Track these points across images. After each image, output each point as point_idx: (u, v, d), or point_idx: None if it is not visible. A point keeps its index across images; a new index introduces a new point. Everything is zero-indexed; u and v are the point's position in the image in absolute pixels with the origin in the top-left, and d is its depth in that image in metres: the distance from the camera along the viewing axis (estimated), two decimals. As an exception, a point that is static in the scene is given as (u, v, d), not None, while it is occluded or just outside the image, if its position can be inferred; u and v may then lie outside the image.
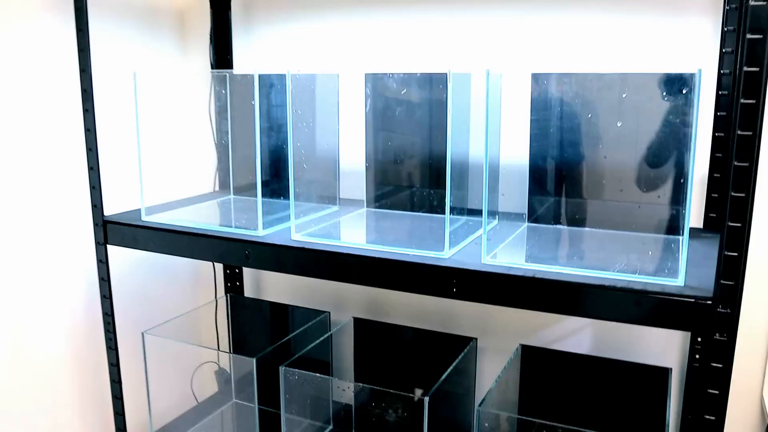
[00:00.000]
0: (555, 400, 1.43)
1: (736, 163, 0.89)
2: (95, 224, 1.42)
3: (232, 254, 1.27)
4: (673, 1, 1.32)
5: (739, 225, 0.90)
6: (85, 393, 1.65)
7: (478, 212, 1.33)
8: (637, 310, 0.98)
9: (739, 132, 0.88)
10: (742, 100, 0.87)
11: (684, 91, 1.02)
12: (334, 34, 1.66)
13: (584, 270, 1.03)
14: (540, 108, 1.28)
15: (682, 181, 1.05)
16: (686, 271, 1.02)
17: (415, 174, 1.43)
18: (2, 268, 1.43)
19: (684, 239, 1.00)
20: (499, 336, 1.60)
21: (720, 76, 1.30)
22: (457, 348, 1.44)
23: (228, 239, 1.27)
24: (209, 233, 1.30)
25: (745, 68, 0.86)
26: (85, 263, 1.60)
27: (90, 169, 1.41)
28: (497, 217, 1.40)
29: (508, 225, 1.35)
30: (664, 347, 1.47)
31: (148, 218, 1.41)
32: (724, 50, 1.29)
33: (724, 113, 1.30)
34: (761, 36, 0.85)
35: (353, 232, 1.35)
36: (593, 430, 1.10)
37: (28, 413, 1.52)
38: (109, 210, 1.47)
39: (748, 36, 0.86)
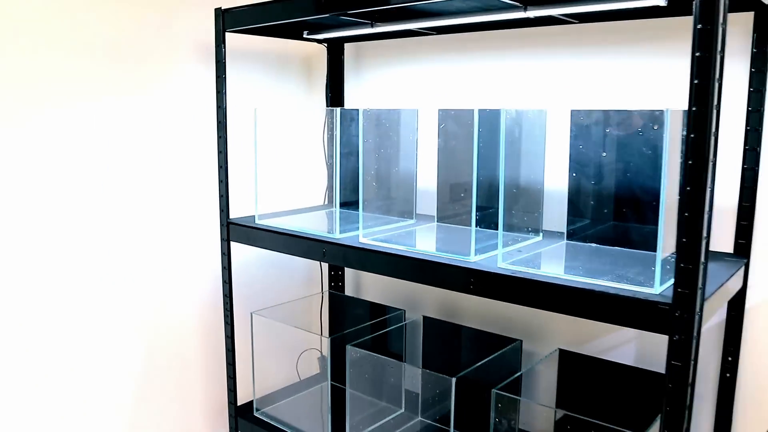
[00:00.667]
0: (585, 400, 1.59)
1: (687, 188, 1.05)
2: (221, 224, 1.82)
3: (313, 251, 1.60)
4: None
5: (690, 241, 1.06)
6: (207, 358, 2.06)
7: (532, 231, 1.55)
8: (611, 311, 1.15)
9: (689, 162, 1.05)
10: (691, 135, 1.04)
11: (655, 127, 1.18)
12: (425, 77, 1.95)
13: (579, 277, 1.22)
14: (577, 140, 1.47)
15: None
16: (668, 282, 1.18)
17: (467, 197, 1.66)
18: (153, 257, 1.88)
19: (658, 254, 1.16)
20: (552, 344, 1.77)
21: (748, 113, 1.42)
22: (504, 347, 1.65)
23: (311, 239, 1.60)
24: (298, 234, 1.63)
25: (693, 108, 1.03)
26: (216, 255, 2.02)
27: (220, 181, 1.81)
28: (541, 234, 1.60)
29: (550, 241, 1.55)
30: (705, 363, 1.57)
31: (260, 222, 1.78)
32: (751, 89, 1.41)
33: (751, 148, 1.42)
34: (706, 82, 1.02)
35: (411, 239, 1.62)
36: (604, 423, 1.27)
37: (163, 371, 1.95)
38: (236, 214, 1.86)
39: (695, 81, 1.03)
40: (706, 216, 1.06)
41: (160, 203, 1.87)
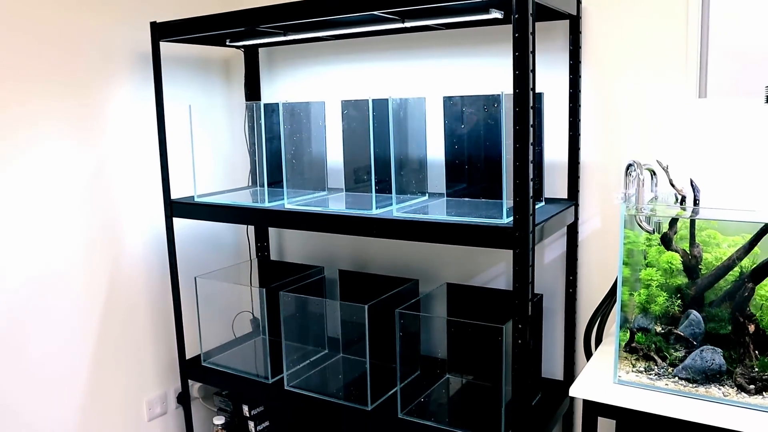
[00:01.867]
0: (468, 317, 2.05)
1: (516, 145, 1.52)
2: (165, 203, 2.17)
3: (249, 218, 1.99)
4: (547, 51, 1.96)
5: (520, 182, 1.53)
6: (158, 319, 2.39)
7: (429, 194, 1.98)
8: (475, 236, 1.61)
9: (515, 127, 1.51)
10: (516, 109, 1.51)
11: (495, 105, 1.66)
12: (327, 74, 2.37)
13: (451, 217, 1.67)
14: (448, 119, 1.92)
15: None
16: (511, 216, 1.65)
17: (368, 169, 2.09)
18: (107, 234, 2.20)
19: (504, 195, 1.63)
20: (443, 281, 2.23)
21: (570, 94, 1.92)
22: (405, 286, 2.10)
23: (246, 209, 1.99)
24: (235, 206, 2.02)
25: (516, 90, 1.50)
26: (160, 230, 2.35)
27: (162, 168, 2.16)
28: (427, 195, 2.05)
29: (433, 199, 2.01)
30: (555, 285, 2.08)
31: (198, 200, 2.14)
32: (571, 76, 1.92)
33: (573, 119, 1.92)
34: (523, 72, 1.49)
35: (326, 204, 2.03)
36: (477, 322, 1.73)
37: (118, 335, 2.27)
38: (176, 195, 2.21)
39: (516, 72, 1.50)
40: (530, 164, 1.53)
41: (110, 189, 2.19)
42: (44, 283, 2.04)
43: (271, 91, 2.53)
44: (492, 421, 1.79)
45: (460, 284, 2.09)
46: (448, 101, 1.91)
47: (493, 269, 2.19)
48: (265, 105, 2.07)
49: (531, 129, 1.52)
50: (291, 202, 2.00)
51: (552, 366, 2.11)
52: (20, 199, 1.96)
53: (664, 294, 1.58)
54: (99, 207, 2.17)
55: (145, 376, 2.38)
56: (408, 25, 1.88)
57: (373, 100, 1.87)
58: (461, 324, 1.91)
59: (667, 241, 1.57)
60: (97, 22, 2.12)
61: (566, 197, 1.99)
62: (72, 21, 2.05)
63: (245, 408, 2.37)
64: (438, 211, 1.83)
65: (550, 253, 2.08)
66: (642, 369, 1.56)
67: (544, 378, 2.11)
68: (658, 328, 1.58)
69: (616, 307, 1.58)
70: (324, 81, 2.40)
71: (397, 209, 1.80)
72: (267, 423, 2.41)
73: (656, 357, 1.56)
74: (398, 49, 2.23)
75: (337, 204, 2.02)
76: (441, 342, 2.14)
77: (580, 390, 1.54)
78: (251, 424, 2.37)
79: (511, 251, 1.59)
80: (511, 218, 1.59)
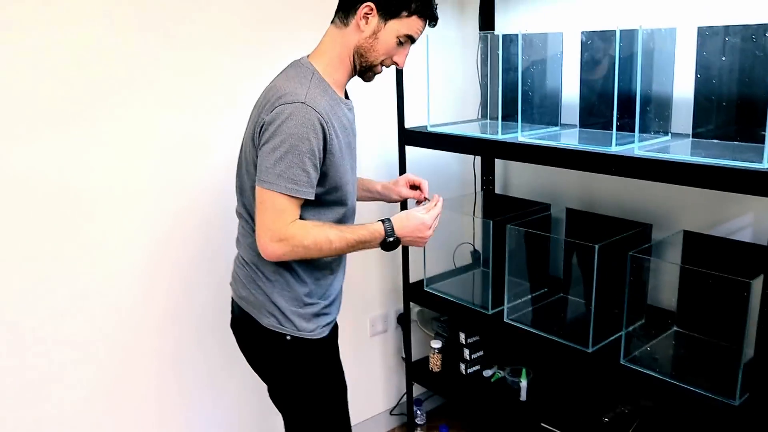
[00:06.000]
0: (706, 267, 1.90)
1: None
2: (399, 131, 2.26)
3: (482, 149, 2.01)
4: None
5: (794, 123, 1.36)
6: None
7: (672, 134, 1.86)
8: (729, 181, 1.47)
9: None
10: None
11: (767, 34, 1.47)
12: (561, 3, 2.26)
13: (703, 159, 1.54)
14: (703, 50, 1.74)
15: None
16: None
17: (610, 106, 1.98)
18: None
19: (767, 144, 1.46)
20: (678, 228, 2.09)
21: None
22: (637, 230, 2.00)
23: (480, 140, 2.01)
24: (468, 136, 2.05)
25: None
26: (391, 157, 2.46)
27: (398, 96, 2.24)
28: (669, 134, 1.91)
29: (678, 140, 1.86)
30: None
31: (431, 129, 2.20)
32: None
33: None
34: (810, -4, 1.30)
35: (557, 139, 1.96)
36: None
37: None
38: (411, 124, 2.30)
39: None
40: (808, 104, 1.36)
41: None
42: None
43: (504, 22, 2.48)
44: (725, 381, 1.67)
45: (699, 233, 1.94)
46: (704, 32, 1.74)
47: (737, 221, 1.99)
48: (504, 35, 2.04)
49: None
50: (524, 135, 1.97)
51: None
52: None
53: None
54: (339, 133, 2.32)
55: (371, 295, 2.55)
56: (667, -53, 1.73)
57: (620, 31, 1.76)
58: (701, 275, 1.78)
59: None
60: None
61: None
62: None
63: (462, 335, 2.46)
64: (683, 152, 1.69)
65: (810, 207, 1.85)
66: None
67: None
68: None
69: None
70: (558, 11, 2.30)
71: (639, 147, 1.70)
72: (481, 352, 2.48)
73: None
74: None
75: (570, 140, 1.96)
76: (671, 293, 2.03)
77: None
78: (466, 351, 2.46)
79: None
80: (775, 163, 1.43)
